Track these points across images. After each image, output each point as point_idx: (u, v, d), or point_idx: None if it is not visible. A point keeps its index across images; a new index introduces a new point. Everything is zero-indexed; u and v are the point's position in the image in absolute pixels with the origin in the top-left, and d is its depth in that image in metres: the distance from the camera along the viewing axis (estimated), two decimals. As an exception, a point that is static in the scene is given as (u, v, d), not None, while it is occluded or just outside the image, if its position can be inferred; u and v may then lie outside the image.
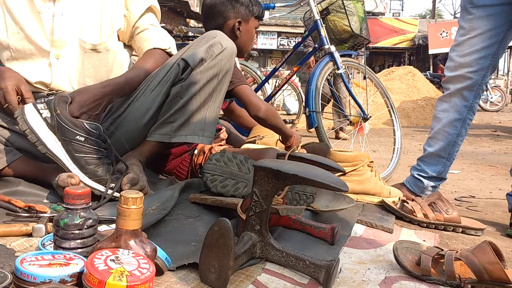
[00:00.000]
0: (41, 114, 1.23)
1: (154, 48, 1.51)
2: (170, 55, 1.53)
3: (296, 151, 1.41)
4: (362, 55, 2.92)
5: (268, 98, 3.16)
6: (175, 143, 1.48)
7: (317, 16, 2.60)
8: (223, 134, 1.86)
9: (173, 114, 1.40)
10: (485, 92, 10.29)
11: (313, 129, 2.41)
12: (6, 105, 1.28)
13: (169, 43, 1.54)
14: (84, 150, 1.24)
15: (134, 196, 0.71)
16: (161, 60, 1.48)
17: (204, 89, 1.41)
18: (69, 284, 0.64)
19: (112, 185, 1.25)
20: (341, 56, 2.59)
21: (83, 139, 1.23)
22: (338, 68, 2.54)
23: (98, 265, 0.62)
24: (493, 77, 12.61)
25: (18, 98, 1.29)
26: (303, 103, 3.41)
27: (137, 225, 0.72)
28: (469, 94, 1.76)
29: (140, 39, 1.53)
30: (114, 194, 1.24)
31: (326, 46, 2.57)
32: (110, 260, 0.64)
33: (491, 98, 10.77)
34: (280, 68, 3.44)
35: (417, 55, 14.74)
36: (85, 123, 1.23)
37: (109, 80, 1.39)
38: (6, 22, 1.40)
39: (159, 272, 0.88)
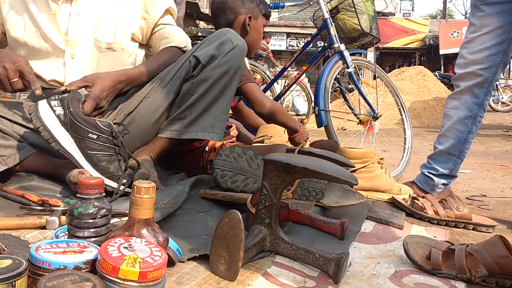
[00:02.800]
0: (54, 111, 1.24)
1: (170, 47, 1.54)
2: (184, 52, 1.56)
3: (306, 147, 1.41)
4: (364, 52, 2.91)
5: (277, 98, 3.16)
6: (186, 140, 1.49)
7: (327, 15, 2.60)
8: (233, 131, 1.87)
9: (184, 110, 1.42)
10: (496, 93, 10.18)
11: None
12: (15, 79, 1.26)
13: (185, 42, 1.58)
14: (96, 147, 1.25)
15: (147, 186, 0.72)
16: (176, 57, 1.50)
17: (215, 86, 1.42)
18: (83, 270, 0.65)
19: (124, 180, 1.27)
20: (350, 54, 2.59)
21: (95, 136, 1.24)
22: (347, 67, 2.54)
23: (111, 252, 0.64)
24: (503, 77, 12.46)
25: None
26: (312, 104, 3.41)
27: (149, 215, 0.73)
28: (479, 91, 1.76)
29: (158, 37, 1.57)
30: (126, 190, 1.25)
31: (336, 45, 2.57)
32: (124, 247, 0.65)
33: (502, 98, 10.65)
34: (289, 68, 3.44)
35: (428, 55, 14.62)
36: (97, 121, 1.25)
37: (123, 70, 1.42)
38: (24, 20, 1.43)
39: (170, 263, 0.90)
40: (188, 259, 0.95)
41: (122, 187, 1.25)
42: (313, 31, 2.87)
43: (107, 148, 1.27)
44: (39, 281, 0.59)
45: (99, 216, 0.77)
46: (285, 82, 4.14)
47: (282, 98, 3.44)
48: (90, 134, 1.24)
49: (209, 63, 1.40)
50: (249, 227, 1.10)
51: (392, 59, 15.72)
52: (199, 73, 1.40)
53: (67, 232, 0.85)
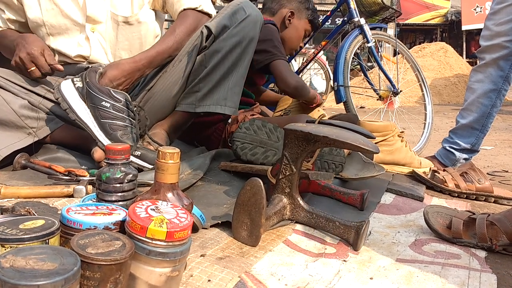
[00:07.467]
0: (74, 85, 1.29)
1: (184, 10, 1.46)
2: (203, 13, 1.49)
3: (325, 118, 1.41)
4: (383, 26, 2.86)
5: (295, 75, 3.13)
6: (202, 112, 1.48)
7: (347, -13, 2.56)
8: (257, 109, 1.87)
9: (198, 83, 1.40)
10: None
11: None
12: (31, 69, 1.31)
13: (200, 1, 1.48)
14: (109, 116, 1.25)
15: (171, 151, 0.74)
16: (193, 22, 1.45)
17: (227, 58, 1.39)
18: (113, 231, 0.67)
19: (138, 153, 1.27)
20: (371, 29, 2.55)
21: (108, 105, 1.25)
22: (368, 41, 2.50)
23: (139, 213, 0.66)
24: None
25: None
26: (331, 81, 3.37)
27: (174, 179, 0.75)
28: (505, 64, 1.72)
29: (172, 1, 1.49)
30: (139, 163, 1.26)
31: (356, 19, 2.53)
32: (151, 209, 0.67)
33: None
34: (307, 45, 3.40)
35: (450, 31, 14.17)
36: (111, 90, 1.26)
37: (140, 53, 1.38)
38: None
39: (194, 229, 0.92)
40: (211, 226, 0.97)
41: (136, 160, 1.25)
42: (332, 7, 2.82)
43: (121, 118, 1.27)
44: (71, 239, 0.61)
45: (126, 181, 0.80)
46: (303, 59, 4.10)
47: (299, 76, 3.41)
48: (103, 102, 1.25)
49: (221, 34, 1.37)
50: (269, 198, 1.11)
51: (412, 35, 15.29)
52: (211, 44, 1.38)
53: (94, 200, 0.87)
